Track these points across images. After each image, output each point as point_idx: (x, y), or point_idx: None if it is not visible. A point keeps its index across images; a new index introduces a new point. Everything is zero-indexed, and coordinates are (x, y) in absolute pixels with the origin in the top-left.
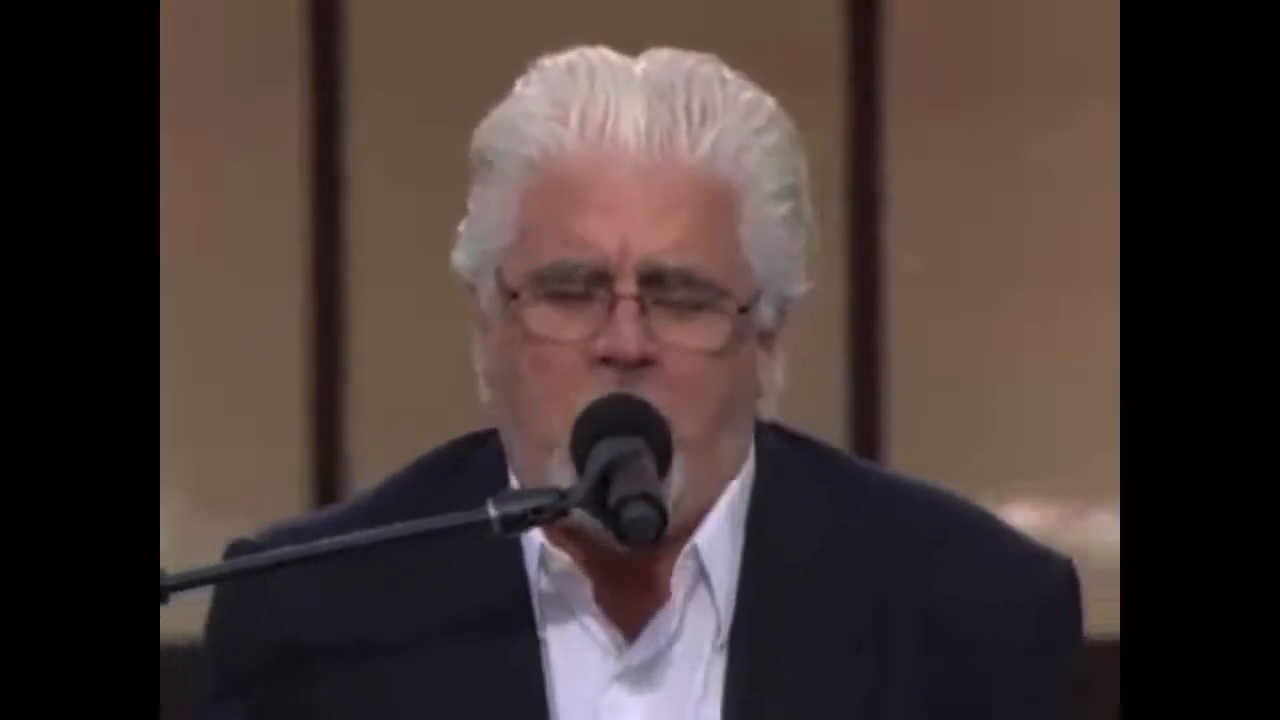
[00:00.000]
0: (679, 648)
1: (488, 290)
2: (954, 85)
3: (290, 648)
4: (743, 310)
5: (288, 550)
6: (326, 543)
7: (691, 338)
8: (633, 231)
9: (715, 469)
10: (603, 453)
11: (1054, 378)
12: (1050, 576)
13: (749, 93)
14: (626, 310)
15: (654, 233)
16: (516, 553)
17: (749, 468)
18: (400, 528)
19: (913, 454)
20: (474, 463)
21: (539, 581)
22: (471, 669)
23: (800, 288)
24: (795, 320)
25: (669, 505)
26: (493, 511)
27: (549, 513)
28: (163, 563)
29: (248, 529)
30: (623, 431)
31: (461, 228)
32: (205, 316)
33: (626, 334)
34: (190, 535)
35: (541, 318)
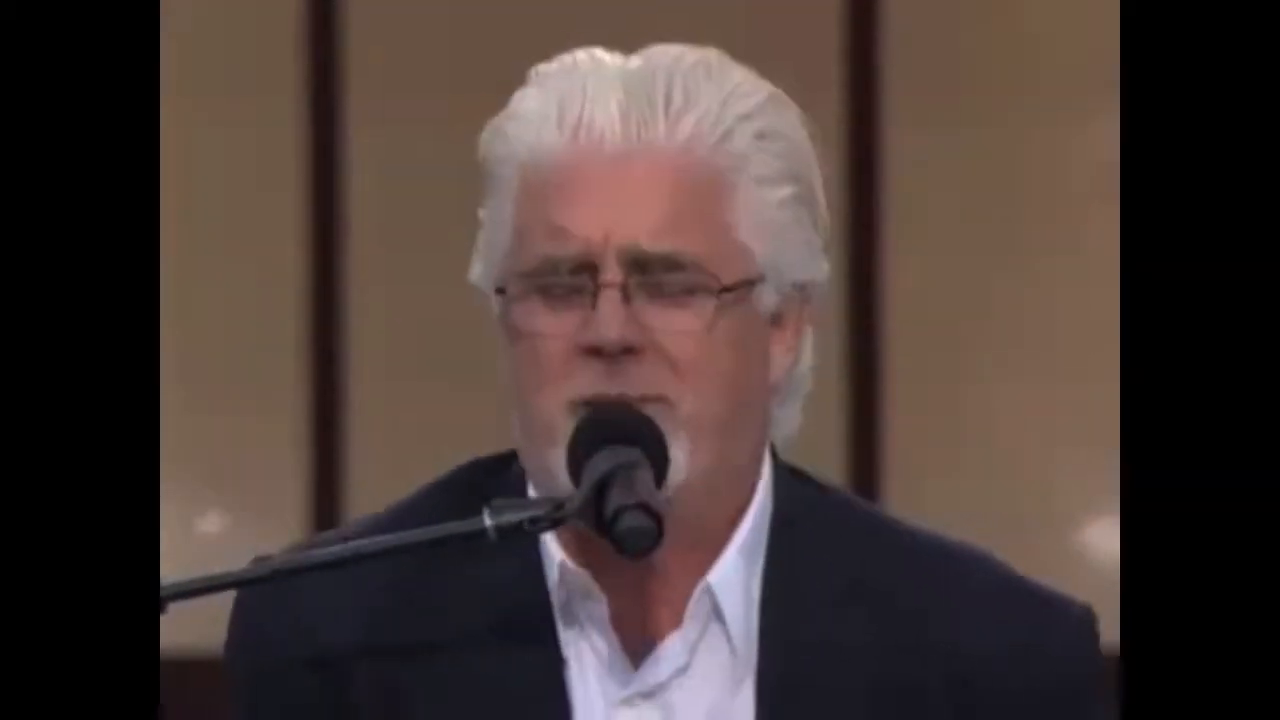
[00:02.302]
0: (688, 680)
1: (488, 289)
2: (954, 89)
3: (316, 661)
4: (726, 289)
5: (286, 559)
6: (325, 552)
7: (679, 321)
8: (613, 219)
9: (728, 456)
10: (600, 463)
11: (1054, 375)
12: (1074, 624)
13: (740, 78)
14: (608, 299)
15: (634, 218)
16: (538, 569)
17: (764, 502)
18: (398, 537)
19: (911, 457)
20: (495, 489)
21: (559, 598)
22: (495, 685)
23: (814, 274)
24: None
25: (670, 500)
26: (488, 521)
27: (545, 522)
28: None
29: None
30: (620, 442)
31: (478, 242)
32: (203, 315)
33: (608, 322)
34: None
35: (530, 313)
